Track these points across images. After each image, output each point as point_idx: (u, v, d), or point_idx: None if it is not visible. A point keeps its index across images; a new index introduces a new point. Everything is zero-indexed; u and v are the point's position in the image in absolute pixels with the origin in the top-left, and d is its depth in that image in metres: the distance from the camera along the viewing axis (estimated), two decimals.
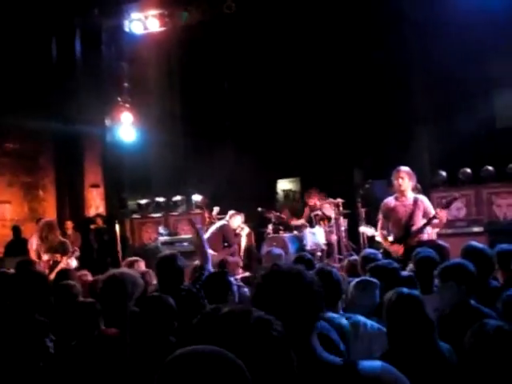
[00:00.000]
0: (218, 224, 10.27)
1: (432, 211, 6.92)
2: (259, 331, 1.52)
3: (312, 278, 1.97)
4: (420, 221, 6.93)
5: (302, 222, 11.38)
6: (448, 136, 11.15)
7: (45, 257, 7.98)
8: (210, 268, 5.26)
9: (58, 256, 7.93)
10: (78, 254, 8.29)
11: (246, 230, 10.66)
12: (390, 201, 7.16)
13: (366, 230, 9.83)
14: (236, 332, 1.51)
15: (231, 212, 10.38)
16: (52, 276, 7.03)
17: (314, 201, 11.35)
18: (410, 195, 7.11)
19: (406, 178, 7.06)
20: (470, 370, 2.21)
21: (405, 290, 3.07)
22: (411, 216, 6.94)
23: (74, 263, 8.10)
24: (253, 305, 1.81)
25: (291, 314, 1.84)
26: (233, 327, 1.53)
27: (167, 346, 3.36)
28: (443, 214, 6.82)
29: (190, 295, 4.59)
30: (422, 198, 7.21)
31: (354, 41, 12.59)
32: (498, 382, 2.15)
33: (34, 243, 9.97)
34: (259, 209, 11.72)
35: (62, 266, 7.67)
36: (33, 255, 8.69)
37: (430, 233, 7.34)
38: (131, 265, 6.39)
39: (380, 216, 7.39)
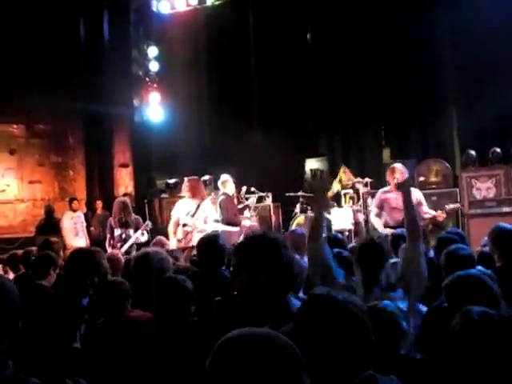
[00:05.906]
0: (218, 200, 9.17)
1: (424, 202, 7.52)
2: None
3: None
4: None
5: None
6: (478, 115, 10.96)
7: (117, 231, 8.44)
8: None
9: (129, 231, 8.43)
10: (150, 226, 8.80)
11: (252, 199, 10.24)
12: (389, 190, 7.55)
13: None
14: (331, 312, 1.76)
15: (223, 178, 9.35)
16: (123, 249, 7.99)
17: (349, 177, 11.30)
18: None
19: (400, 176, 7.28)
20: (457, 355, 2.22)
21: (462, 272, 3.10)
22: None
23: (144, 238, 8.53)
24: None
25: None
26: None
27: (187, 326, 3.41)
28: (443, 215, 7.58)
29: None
30: (415, 190, 7.43)
31: (382, 16, 12.39)
32: (484, 367, 2.15)
33: (64, 221, 10.65)
34: (287, 194, 11.69)
35: (133, 240, 8.31)
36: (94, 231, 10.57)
37: None
38: (162, 244, 6.51)
39: (375, 204, 7.85)
